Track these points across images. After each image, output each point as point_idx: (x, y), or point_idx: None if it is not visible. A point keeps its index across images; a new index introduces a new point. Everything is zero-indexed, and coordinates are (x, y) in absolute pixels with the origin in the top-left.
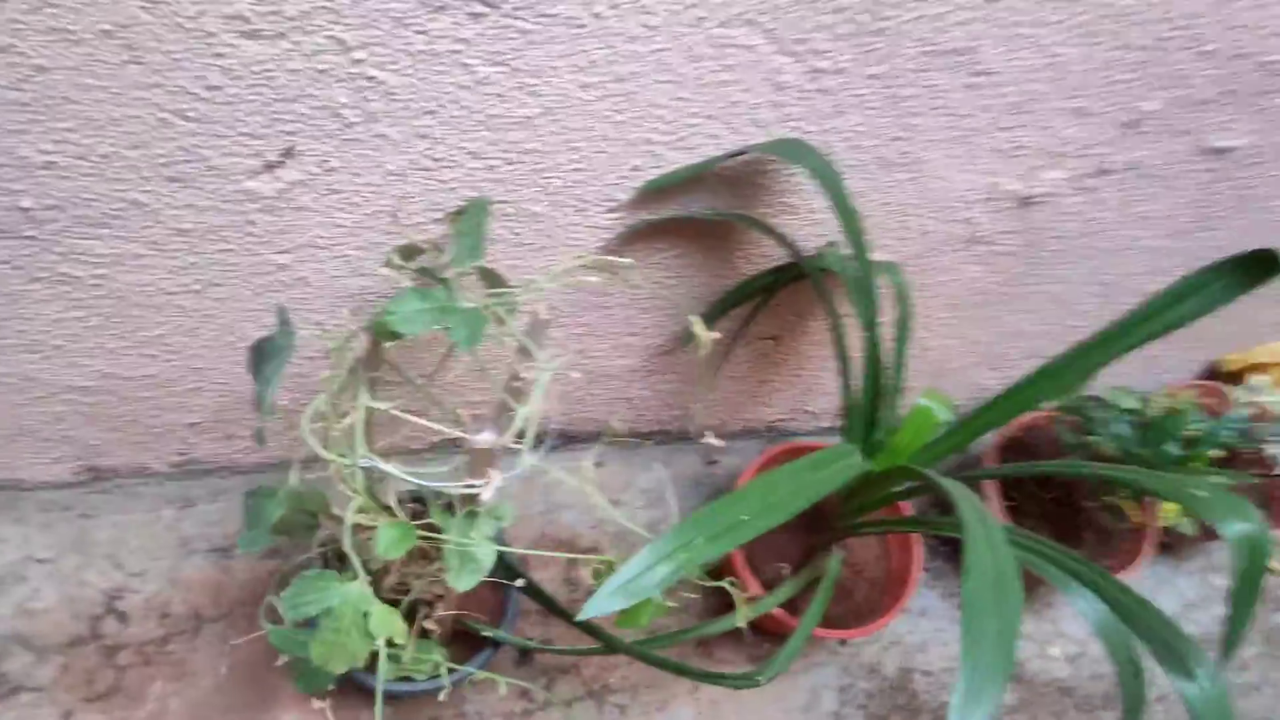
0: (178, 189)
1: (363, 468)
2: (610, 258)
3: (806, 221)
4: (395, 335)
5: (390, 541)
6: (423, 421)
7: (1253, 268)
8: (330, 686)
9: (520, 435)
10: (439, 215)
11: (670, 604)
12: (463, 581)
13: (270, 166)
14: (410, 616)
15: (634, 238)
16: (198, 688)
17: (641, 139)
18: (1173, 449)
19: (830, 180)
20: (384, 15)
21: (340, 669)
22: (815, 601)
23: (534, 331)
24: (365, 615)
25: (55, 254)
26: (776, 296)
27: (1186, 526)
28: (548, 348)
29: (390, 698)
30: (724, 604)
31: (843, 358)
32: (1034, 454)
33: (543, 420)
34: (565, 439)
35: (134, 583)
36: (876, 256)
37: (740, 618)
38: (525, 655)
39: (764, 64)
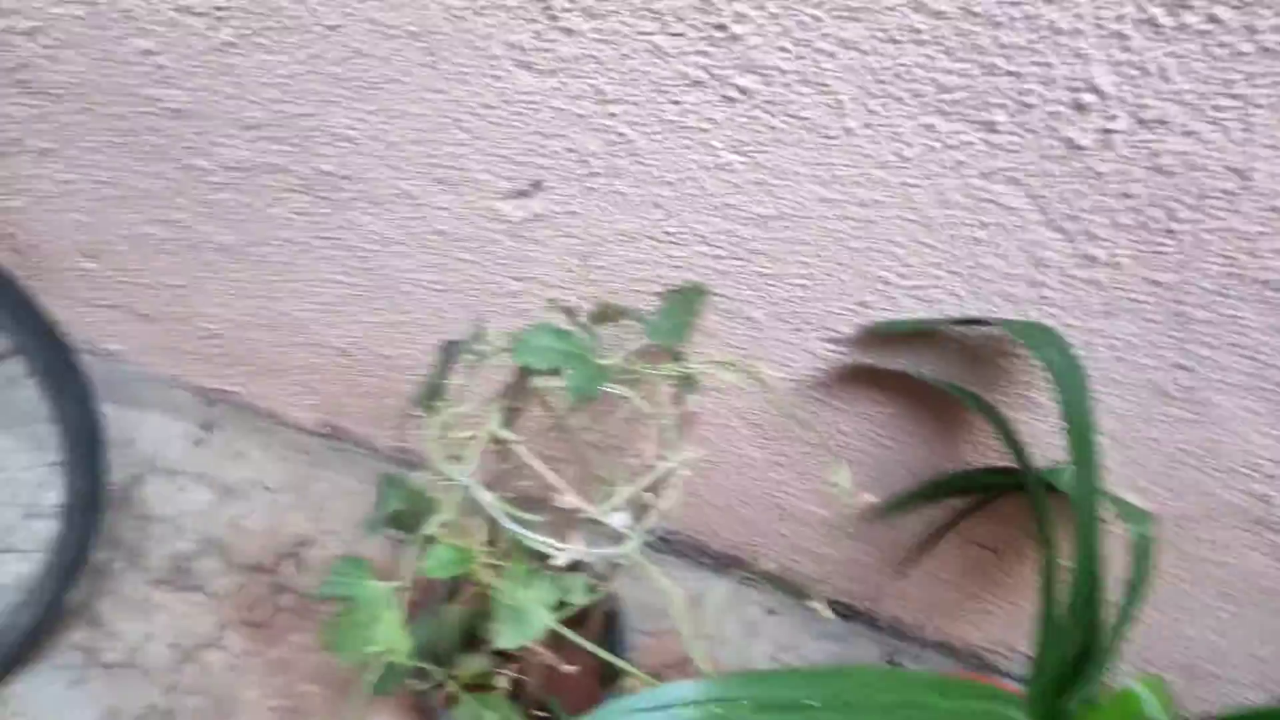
0: (441, 191)
1: (463, 485)
2: (757, 363)
3: (1051, 428)
4: (528, 366)
5: (440, 561)
6: (537, 465)
7: None
8: (395, 692)
9: (620, 515)
10: (659, 288)
11: None
12: (506, 638)
13: (520, 193)
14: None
15: (849, 379)
16: (323, 654)
17: (876, 275)
18: None
19: (1070, 380)
20: (645, 78)
21: (345, 660)
22: None
23: (680, 422)
24: (378, 621)
25: (341, 219)
26: (1001, 502)
27: None
28: (687, 444)
29: None
30: None
31: (1048, 599)
32: None
33: (659, 515)
34: (743, 570)
35: (323, 538)
36: (1127, 496)
37: None
38: None
39: (1026, 232)
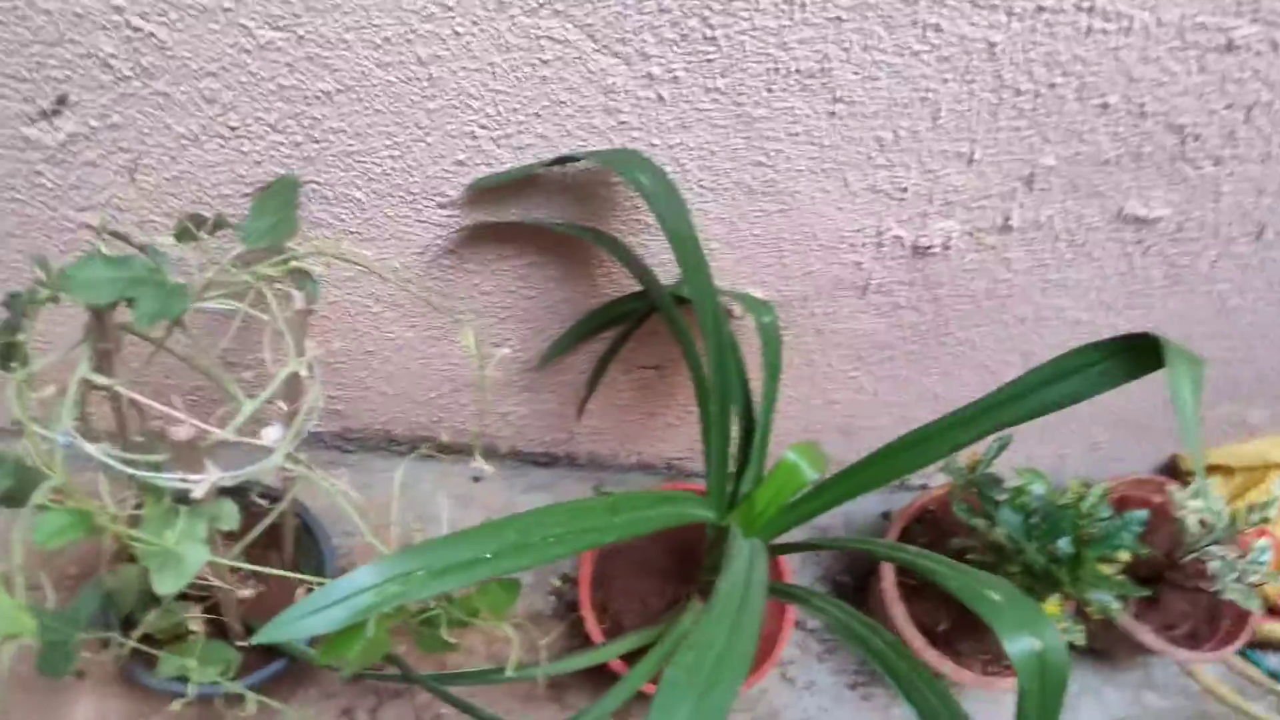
0: None
1: (64, 445)
2: (340, 243)
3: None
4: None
5: (51, 528)
6: (144, 401)
7: (1138, 355)
8: (75, 675)
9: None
10: (249, 189)
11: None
12: (165, 584)
13: (47, 114)
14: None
15: (474, 239)
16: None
17: (462, 131)
18: (1065, 546)
19: (663, 198)
20: None
21: None
22: (648, 656)
23: (297, 322)
24: None
25: None
26: (651, 324)
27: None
28: (311, 341)
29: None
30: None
31: (702, 400)
32: (944, 530)
33: (303, 417)
34: (439, 447)
35: None
36: (749, 291)
37: (510, 666)
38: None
39: (586, 62)
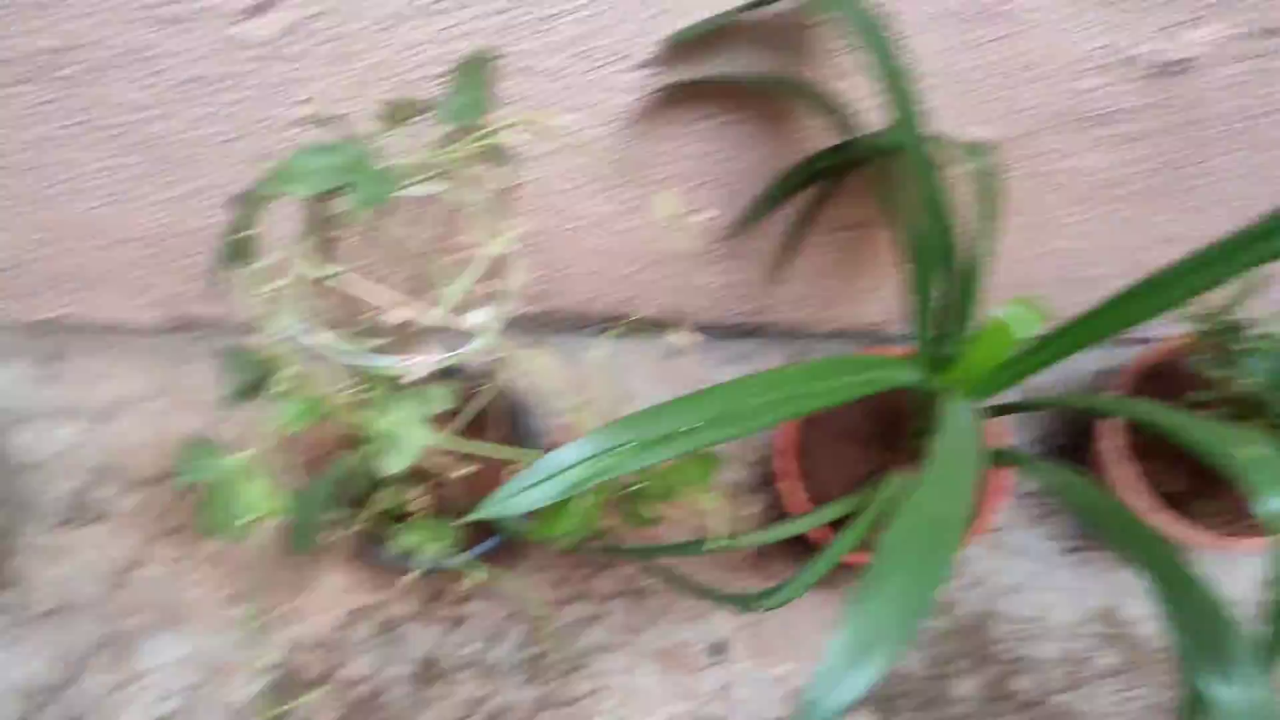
0: (173, 33)
1: (293, 337)
2: (544, 113)
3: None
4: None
5: (289, 415)
6: (361, 290)
7: None
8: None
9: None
10: (447, 69)
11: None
12: (388, 464)
13: (255, 10)
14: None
15: (668, 101)
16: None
17: None
18: None
19: (871, 33)
20: None
21: (228, 540)
22: (852, 526)
23: (499, 200)
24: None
25: (83, 99)
26: (853, 181)
27: None
28: (514, 219)
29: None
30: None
31: (911, 257)
32: (1174, 387)
33: (510, 298)
34: (636, 323)
35: (213, 429)
36: (963, 133)
37: (711, 538)
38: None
39: None
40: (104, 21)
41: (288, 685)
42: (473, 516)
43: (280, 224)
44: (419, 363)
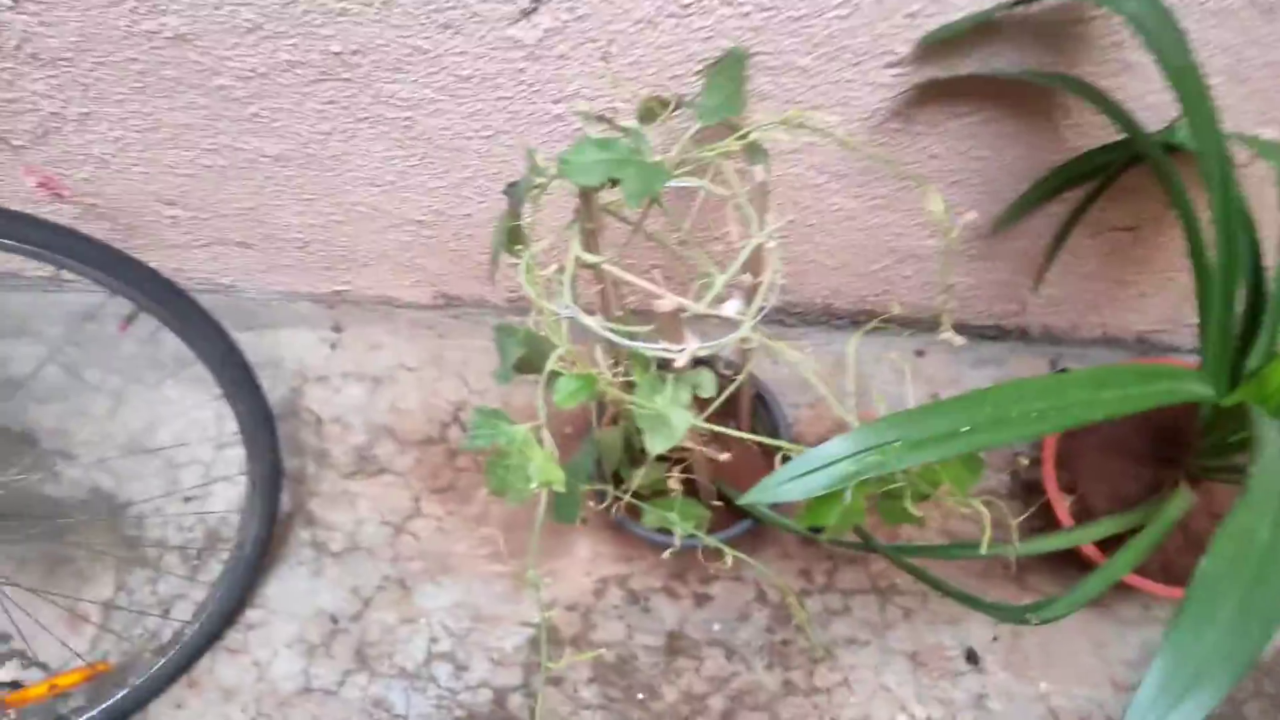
0: (449, 35)
1: (566, 318)
2: (811, 113)
3: (1153, 85)
4: (587, 186)
5: (565, 392)
6: (630, 278)
7: None
8: (579, 521)
9: (731, 303)
10: (699, 67)
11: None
12: (655, 444)
13: (524, 14)
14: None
15: (922, 98)
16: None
17: None
18: None
19: (1159, 25)
20: None
21: (513, 502)
22: (1133, 542)
23: (753, 196)
24: (529, 459)
25: (369, 95)
26: (1125, 180)
27: None
28: (769, 214)
29: (660, 546)
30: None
31: (1198, 263)
32: None
33: (766, 290)
34: (880, 320)
35: (475, 399)
36: (1263, 134)
37: (984, 544)
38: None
39: None
40: (392, 26)
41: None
42: (742, 501)
43: (552, 214)
44: (685, 349)
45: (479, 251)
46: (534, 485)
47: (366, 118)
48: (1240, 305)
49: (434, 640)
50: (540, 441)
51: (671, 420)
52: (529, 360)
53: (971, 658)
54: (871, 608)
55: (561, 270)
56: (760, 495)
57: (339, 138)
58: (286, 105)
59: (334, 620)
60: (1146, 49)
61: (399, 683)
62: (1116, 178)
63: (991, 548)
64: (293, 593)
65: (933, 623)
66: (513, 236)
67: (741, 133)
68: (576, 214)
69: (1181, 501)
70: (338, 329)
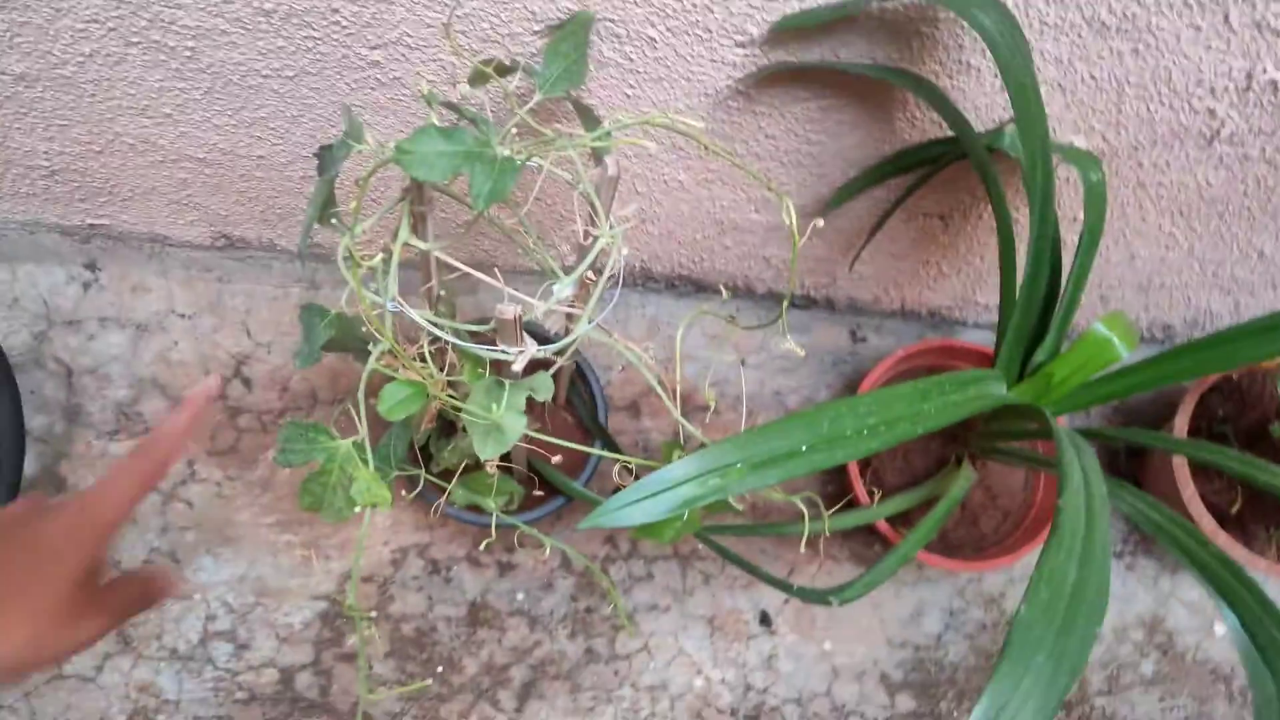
0: None
1: (392, 309)
2: (681, 119)
3: (986, 90)
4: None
5: (394, 402)
6: (464, 268)
7: None
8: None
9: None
10: (539, 28)
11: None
12: (486, 451)
13: None
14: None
15: (770, 81)
16: None
17: None
18: None
19: (1002, 38)
20: None
21: (329, 520)
22: (923, 522)
23: (601, 188)
24: (351, 478)
25: (145, 18)
26: (946, 172)
27: None
28: (616, 206)
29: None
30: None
31: (1007, 260)
32: (1244, 402)
33: (608, 278)
34: (695, 285)
35: (260, 352)
36: (1076, 142)
37: (804, 530)
38: None
39: None
40: None
41: (338, 615)
42: (581, 527)
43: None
44: (525, 352)
45: (271, 193)
46: (358, 508)
47: (139, 43)
48: (1041, 301)
49: (211, 618)
50: (366, 461)
51: (507, 427)
52: (340, 343)
53: (765, 620)
54: (674, 574)
55: (387, 256)
56: (601, 519)
57: (101, 61)
58: (35, 20)
59: None
60: (995, 66)
61: (169, 666)
62: (937, 172)
63: (797, 526)
64: None
65: (730, 587)
66: (327, 206)
67: (600, 132)
68: (404, 193)
69: (964, 480)
70: (93, 267)
